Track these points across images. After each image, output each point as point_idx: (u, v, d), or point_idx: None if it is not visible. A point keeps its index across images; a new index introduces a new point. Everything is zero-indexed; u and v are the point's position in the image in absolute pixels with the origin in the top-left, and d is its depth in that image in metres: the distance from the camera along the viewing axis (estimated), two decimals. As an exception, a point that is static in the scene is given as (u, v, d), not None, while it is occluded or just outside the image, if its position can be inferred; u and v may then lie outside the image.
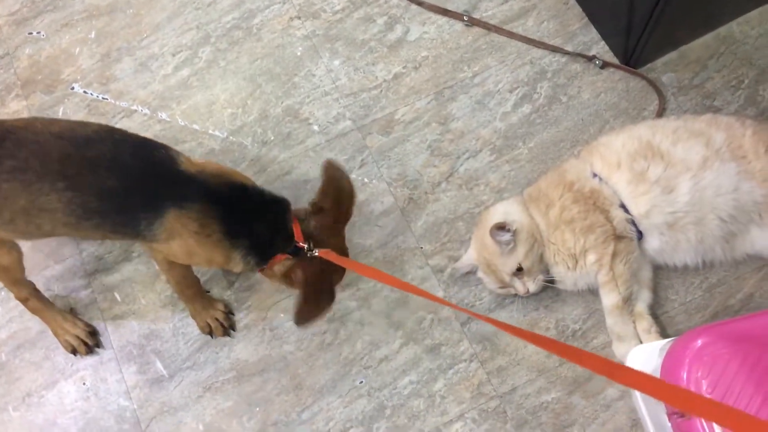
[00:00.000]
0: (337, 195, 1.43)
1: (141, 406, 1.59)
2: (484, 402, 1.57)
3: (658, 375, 1.29)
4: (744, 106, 1.78)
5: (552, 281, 1.59)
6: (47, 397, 1.61)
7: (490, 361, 1.60)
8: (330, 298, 1.40)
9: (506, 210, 1.60)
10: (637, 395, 1.47)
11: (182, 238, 1.32)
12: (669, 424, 1.29)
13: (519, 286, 1.56)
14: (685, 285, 1.64)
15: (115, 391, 1.61)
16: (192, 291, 1.57)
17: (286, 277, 1.42)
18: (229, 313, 1.63)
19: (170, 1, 1.96)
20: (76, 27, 1.94)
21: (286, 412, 1.57)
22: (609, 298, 1.55)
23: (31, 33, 1.94)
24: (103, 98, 1.86)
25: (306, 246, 1.37)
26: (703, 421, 1.05)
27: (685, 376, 1.11)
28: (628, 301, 1.56)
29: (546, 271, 1.59)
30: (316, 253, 1.37)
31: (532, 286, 1.56)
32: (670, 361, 1.15)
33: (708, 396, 1.05)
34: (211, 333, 1.61)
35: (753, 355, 1.07)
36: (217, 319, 1.60)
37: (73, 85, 1.88)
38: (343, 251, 1.47)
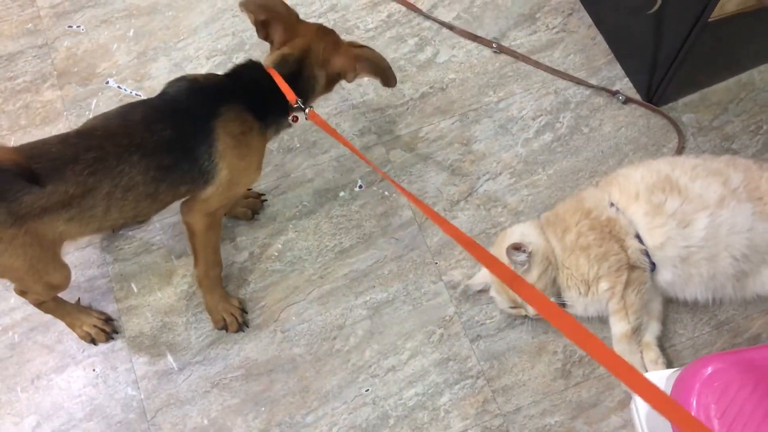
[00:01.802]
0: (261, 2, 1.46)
1: (148, 397, 1.60)
2: (488, 419, 1.58)
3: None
4: (762, 150, 1.82)
5: (563, 305, 1.61)
6: (56, 380, 1.62)
7: (497, 379, 1.61)
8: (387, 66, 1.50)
9: (523, 232, 1.62)
10: (639, 427, 1.48)
11: (236, 149, 1.38)
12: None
13: (530, 307, 1.58)
14: (693, 320, 1.66)
15: (124, 380, 1.62)
16: (216, 273, 1.59)
17: (332, 83, 1.54)
18: (242, 310, 1.65)
19: (209, 6, 2.02)
20: (115, 24, 2.00)
21: (290, 414, 1.59)
22: (618, 327, 1.57)
23: (70, 26, 1.99)
24: (136, 94, 1.91)
25: (298, 102, 1.45)
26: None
27: (694, 402, 1.12)
28: (637, 331, 1.58)
29: (558, 294, 1.61)
30: (307, 111, 1.47)
31: None
32: (680, 386, 1.17)
33: (717, 421, 1.07)
34: (225, 328, 1.63)
35: (764, 383, 1.09)
36: (232, 314, 1.63)
37: (108, 79, 1.92)
38: (325, 32, 1.50)
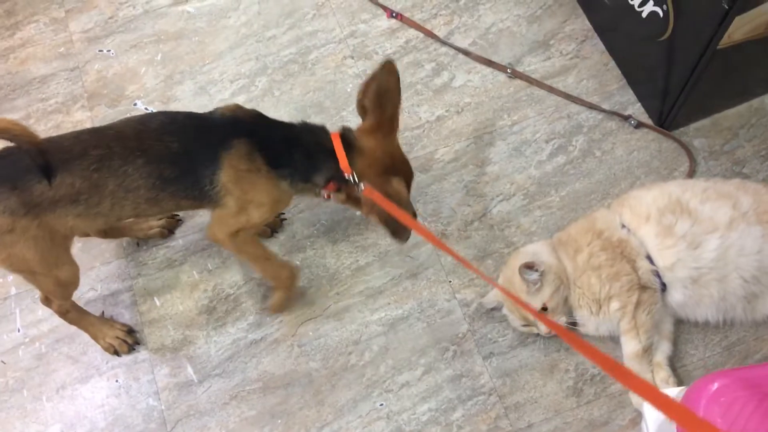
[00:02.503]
0: (379, 91, 1.47)
1: (168, 408, 1.65)
2: (499, 435, 1.60)
3: (666, 422, 1.33)
4: (772, 175, 1.85)
5: (574, 324, 1.64)
6: (80, 390, 1.67)
7: (509, 396, 1.64)
8: (408, 209, 1.47)
9: (536, 251, 1.66)
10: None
11: (238, 183, 1.41)
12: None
13: (542, 325, 1.61)
14: (704, 341, 1.68)
15: (146, 391, 1.67)
16: (285, 274, 1.64)
17: (354, 203, 1.52)
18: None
19: (234, 32, 2.10)
20: (144, 49, 2.08)
21: (306, 427, 1.62)
22: (630, 346, 1.60)
23: (101, 50, 2.08)
24: (162, 115, 1.98)
25: (351, 178, 1.45)
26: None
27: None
28: (648, 351, 1.60)
29: (569, 313, 1.64)
30: (362, 188, 1.44)
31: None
32: (687, 402, 1.19)
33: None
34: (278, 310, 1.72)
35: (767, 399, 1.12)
36: (290, 280, 1.67)
37: (136, 101, 2.00)
38: (394, 157, 1.51)
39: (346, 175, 1.46)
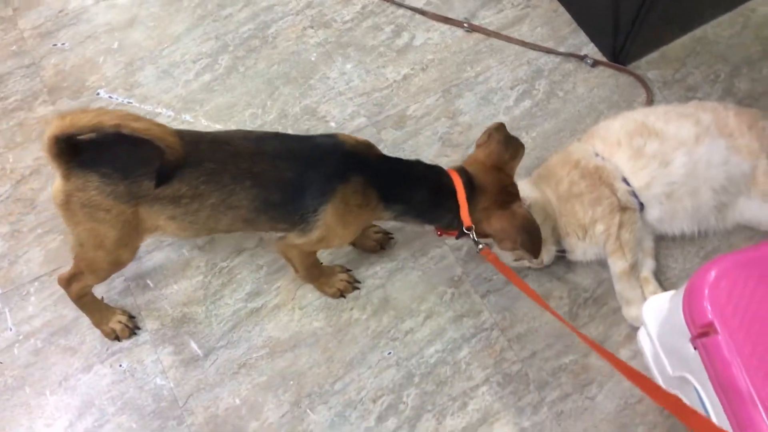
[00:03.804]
0: (491, 137, 1.53)
1: (177, 385, 1.64)
2: (507, 366, 1.66)
3: (667, 319, 1.41)
4: (722, 96, 1.97)
5: (563, 252, 1.71)
6: (84, 380, 1.65)
7: (510, 328, 1.70)
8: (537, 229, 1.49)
9: (520, 188, 1.72)
10: (648, 354, 1.58)
11: (343, 216, 1.40)
12: (677, 375, 1.42)
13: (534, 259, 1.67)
14: (683, 254, 1.78)
15: (152, 372, 1.66)
16: (318, 270, 1.67)
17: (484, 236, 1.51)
18: (349, 271, 1.74)
19: (189, 14, 2.09)
20: (99, 39, 2.05)
21: (319, 384, 1.64)
22: (617, 265, 1.68)
23: (55, 44, 2.04)
24: (128, 102, 1.96)
25: (471, 233, 1.46)
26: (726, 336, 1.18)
27: (708, 306, 1.21)
28: (634, 268, 1.68)
29: (557, 243, 1.71)
30: (480, 247, 1.47)
31: (546, 257, 1.68)
32: (691, 296, 1.26)
33: (735, 317, 1.18)
34: (343, 294, 1.72)
35: (766, 274, 1.20)
36: (343, 280, 1.71)
37: (99, 91, 1.98)
38: (505, 188, 1.51)
39: (465, 228, 1.46)
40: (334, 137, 1.45)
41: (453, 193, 1.45)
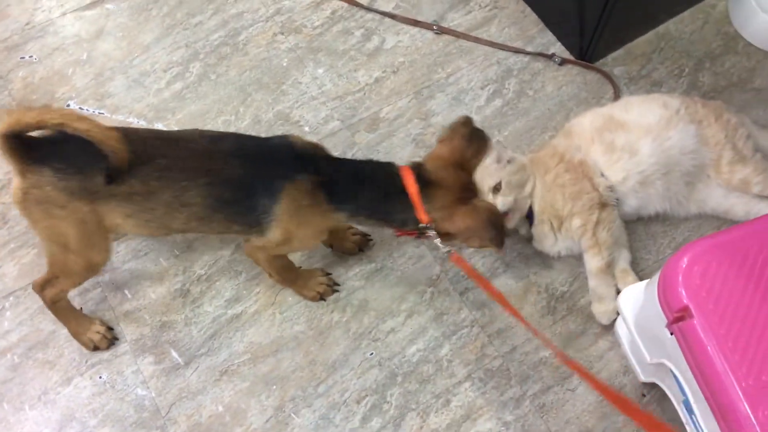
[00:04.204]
0: (455, 131, 1.51)
1: (159, 394, 1.63)
2: (488, 362, 1.67)
3: (643, 308, 1.44)
4: (687, 90, 2.01)
5: (531, 239, 1.74)
6: (63, 393, 1.63)
7: (490, 325, 1.71)
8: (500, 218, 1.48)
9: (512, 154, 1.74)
10: (625, 344, 1.61)
11: (293, 217, 1.40)
12: (655, 362, 1.45)
13: (490, 200, 1.63)
14: (656, 246, 1.81)
15: (132, 383, 1.64)
16: (293, 274, 1.67)
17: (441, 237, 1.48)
18: (329, 274, 1.74)
19: (158, 24, 2.09)
20: (68, 50, 2.04)
21: (302, 388, 1.64)
22: (593, 262, 1.70)
23: (23, 57, 2.02)
24: (99, 113, 1.95)
25: (431, 231, 1.44)
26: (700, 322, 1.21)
27: (683, 292, 1.24)
28: (610, 266, 1.71)
29: (528, 229, 1.73)
30: (447, 250, 1.47)
31: (501, 203, 1.62)
32: (665, 283, 1.28)
33: (709, 301, 1.21)
34: (323, 297, 1.71)
35: (736, 257, 1.23)
36: (322, 284, 1.71)
37: (69, 102, 1.96)
38: (466, 185, 1.49)
39: (421, 225, 1.44)
40: (285, 138, 1.46)
41: (403, 190, 1.42)
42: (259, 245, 1.49)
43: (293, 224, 1.42)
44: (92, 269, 1.50)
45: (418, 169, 1.46)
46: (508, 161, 1.65)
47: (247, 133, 1.86)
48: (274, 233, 1.43)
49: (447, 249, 1.48)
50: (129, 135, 1.33)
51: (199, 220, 1.40)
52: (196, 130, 1.46)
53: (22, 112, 1.22)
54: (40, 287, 1.53)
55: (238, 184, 1.38)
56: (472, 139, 1.51)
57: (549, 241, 1.73)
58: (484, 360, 1.68)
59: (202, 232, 1.49)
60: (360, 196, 1.44)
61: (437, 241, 1.47)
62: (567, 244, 1.74)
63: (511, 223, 1.67)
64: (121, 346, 1.68)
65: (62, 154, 1.31)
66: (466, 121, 1.53)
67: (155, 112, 1.95)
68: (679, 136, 1.69)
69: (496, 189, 1.63)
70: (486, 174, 1.63)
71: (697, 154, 1.71)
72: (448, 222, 1.45)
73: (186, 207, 1.37)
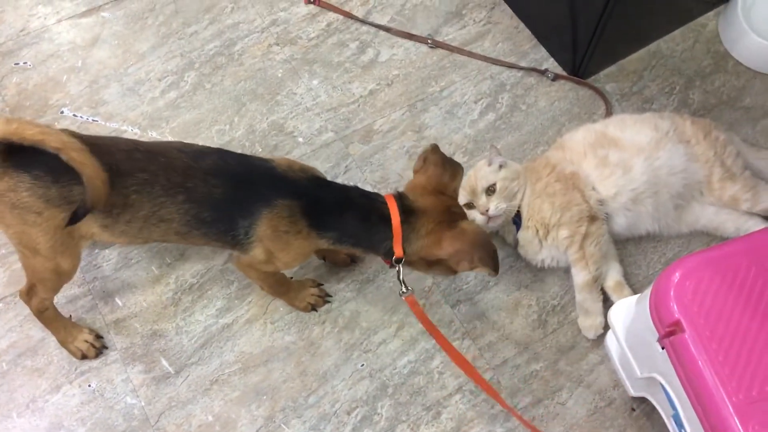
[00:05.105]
0: (427, 161, 1.50)
1: (149, 403, 1.62)
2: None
3: (634, 322, 1.45)
4: (678, 107, 2.04)
5: (516, 243, 1.75)
6: (52, 401, 1.61)
7: (481, 337, 1.72)
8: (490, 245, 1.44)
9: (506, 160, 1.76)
10: (615, 358, 1.62)
11: (272, 241, 1.39)
12: (645, 376, 1.45)
13: (483, 201, 1.68)
14: (646, 261, 1.83)
15: (122, 391, 1.63)
16: (285, 287, 1.66)
17: (423, 267, 1.49)
18: (320, 285, 1.74)
19: (153, 33, 2.09)
20: (62, 57, 2.04)
21: (293, 398, 1.64)
22: (580, 276, 1.71)
23: (17, 63, 2.02)
24: (93, 120, 1.95)
25: (400, 260, 1.42)
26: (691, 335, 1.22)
27: (675, 307, 1.25)
28: (597, 280, 1.71)
29: (514, 234, 1.75)
30: (404, 291, 1.48)
31: (494, 207, 1.67)
32: (657, 298, 1.29)
33: (701, 315, 1.22)
34: (314, 308, 1.73)
35: (727, 273, 1.24)
36: (314, 295, 1.71)
37: (63, 109, 1.96)
38: (450, 208, 1.47)
39: (394, 259, 1.43)
40: (268, 161, 1.43)
41: (388, 219, 1.41)
42: (245, 262, 1.49)
43: (274, 248, 1.42)
44: (61, 275, 1.47)
45: (400, 199, 1.45)
46: (500, 165, 1.67)
47: (240, 143, 1.90)
48: (256, 253, 1.43)
49: (403, 291, 1.47)
50: (111, 147, 1.33)
51: (177, 235, 1.39)
52: (178, 142, 1.44)
53: (24, 126, 1.20)
54: (26, 296, 1.53)
55: (215, 205, 1.36)
56: (445, 165, 1.50)
57: (533, 248, 1.74)
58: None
59: (182, 243, 1.48)
60: (345, 223, 1.42)
61: (400, 274, 1.46)
62: (552, 253, 1.74)
63: (495, 223, 1.69)
64: (111, 354, 1.67)
65: (42, 161, 1.28)
66: (434, 148, 1.52)
67: (149, 121, 1.95)
68: (667, 156, 1.71)
69: (491, 191, 1.65)
70: (480, 175, 1.67)
71: (688, 173, 1.73)
72: (436, 247, 1.43)
73: (164, 222, 1.36)
